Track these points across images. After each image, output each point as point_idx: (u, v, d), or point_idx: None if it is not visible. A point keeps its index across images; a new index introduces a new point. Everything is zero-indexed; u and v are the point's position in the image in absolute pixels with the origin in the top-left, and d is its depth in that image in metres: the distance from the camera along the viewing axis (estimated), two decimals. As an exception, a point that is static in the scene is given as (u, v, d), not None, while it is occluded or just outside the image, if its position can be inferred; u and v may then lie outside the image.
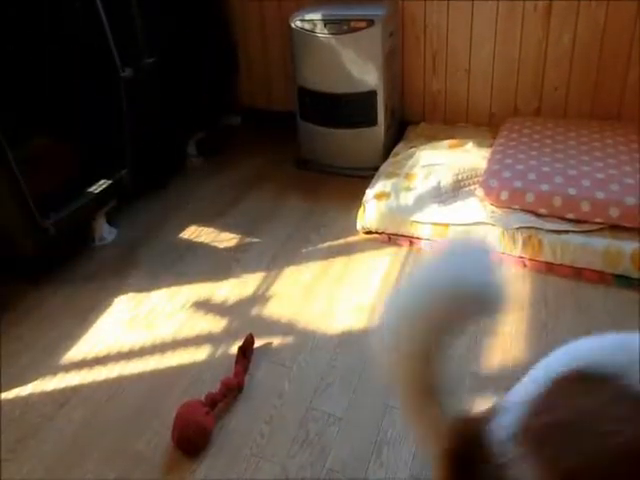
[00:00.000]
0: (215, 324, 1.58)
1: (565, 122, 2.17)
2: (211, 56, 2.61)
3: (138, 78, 2.07)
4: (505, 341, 1.46)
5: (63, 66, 1.91)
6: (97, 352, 1.52)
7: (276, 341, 1.51)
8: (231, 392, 1.33)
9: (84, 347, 1.54)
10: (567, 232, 1.67)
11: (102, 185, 1.91)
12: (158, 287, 1.75)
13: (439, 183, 1.94)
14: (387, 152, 2.30)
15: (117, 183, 1.95)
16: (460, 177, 1.98)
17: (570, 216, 1.69)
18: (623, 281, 1.60)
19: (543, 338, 1.45)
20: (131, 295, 1.72)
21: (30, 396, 1.39)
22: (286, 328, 1.55)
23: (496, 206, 1.79)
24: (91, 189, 1.89)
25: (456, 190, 1.93)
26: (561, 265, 1.66)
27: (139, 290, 1.74)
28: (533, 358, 1.42)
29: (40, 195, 1.70)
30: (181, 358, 1.48)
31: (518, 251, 1.70)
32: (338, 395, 1.34)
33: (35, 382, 1.43)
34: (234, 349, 1.44)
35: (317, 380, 1.38)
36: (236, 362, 1.40)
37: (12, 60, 1.77)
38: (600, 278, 1.62)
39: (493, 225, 1.73)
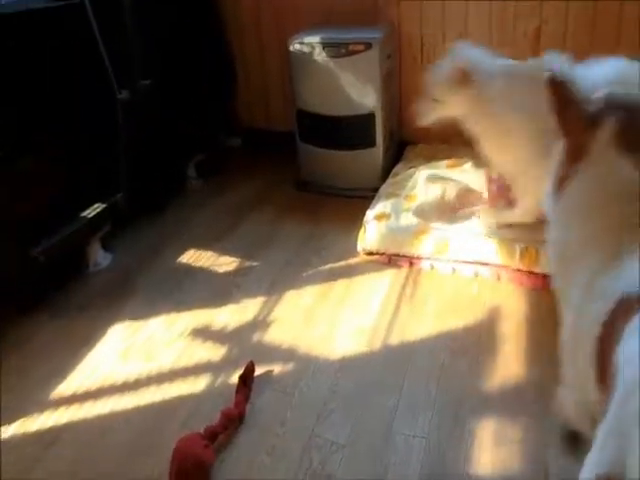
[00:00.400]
0: (215, 352, 1.57)
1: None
2: (209, 77, 2.66)
3: (135, 100, 2.10)
4: (506, 359, 1.46)
5: (58, 87, 1.93)
6: (90, 385, 1.49)
7: (277, 368, 1.50)
8: (232, 423, 1.31)
9: (76, 381, 1.51)
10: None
11: (96, 209, 1.91)
12: (155, 314, 1.74)
13: (443, 194, 1.98)
14: (386, 173, 2.33)
15: (112, 207, 1.96)
16: (459, 196, 2.00)
17: None
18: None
19: (543, 355, 1.45)
20: (127, 323, 1.71)
21: (13, 437, 1.35)
22: (287, 354, 1.54)
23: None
24: (84, 213, 1.89)
25: (456, 209, 1.96)
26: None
27: (135, 318, 1.73)
28: (533, 376, 1.41)
29: (30, 221, 1.70)
30: (179, 389, 1.46)
31: (516, 263, 1.72)
32: (341, 421, 1.32)
33: (24, 419, 1.40)
34: (234, 378, 1.43)
35: (319, 406, 1.37)
36: (237, 391, 1.39)
37: (4, 80, 1.79)
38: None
39: (491, 238, 1.77)
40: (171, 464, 1.21)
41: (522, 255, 1.71)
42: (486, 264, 1.79)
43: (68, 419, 1.39)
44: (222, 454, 1.26)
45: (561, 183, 0.90)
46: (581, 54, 2.17)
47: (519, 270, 1.73)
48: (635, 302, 0.69)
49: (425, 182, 2.08)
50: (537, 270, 1.70)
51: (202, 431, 1.27)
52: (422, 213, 1.93)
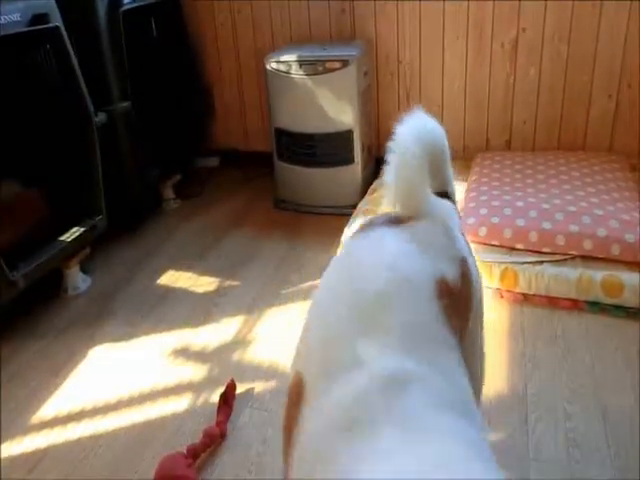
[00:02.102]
0: (195, 371, 1.64)
1: (532, 155, 2.35)
2: (185, 98, 2.75)
3: (111, 122, 2.18)
4: (486, 371, 1.54)
5: (34, 111, 1.99)
6: (71, 408, 1.54)
7: (258, 386, 1.57)
8: (214, 442, 1.38)
9: (58, 403, 1.56)
10: (541, 263, 1.80)
11: (75, 233, 1.96)
12: (136, 336, 1.81)
13: None
14: (365, 189, 2.43)
15: (91, 230, 2.01)
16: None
17: (546, 250, 1.82)
18: (595, 307, 1.73)
19: (522, 366, 1.55)
20: (107, 345, 1.77)
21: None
22: (268, 372, 1.61)
23: (475, 242, 1.90)
24: (63, 237, 1.93)
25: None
26: (536, 295, 1.79)
27: (116, 340, 1.79)
28: (514, 387, 1.51)
29: (8, 246, 1.75)
30: (161, 409, 1.52)
31: (495, 283, 1.82)
32: (323, 439, 1.39)
33: (7, 443, 1.44)
34: (215, 396, 1.50)
35: (301, 424, 1.43)
36: (218, 410, 1.45)
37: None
38: (573, 305, 1.75)
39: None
40: (154, 484, 1.27)
41: (501, 277, 1.81)
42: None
43: (51, 442, 1.45)
44: (204, 473, 1.32)
45: None
46: (559, 62, 2.34)
47: (499, 289, 1.83)
48: None
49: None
50: (517, 290, 1.80)
51: (184, 450, 1.33)
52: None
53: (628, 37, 2.27)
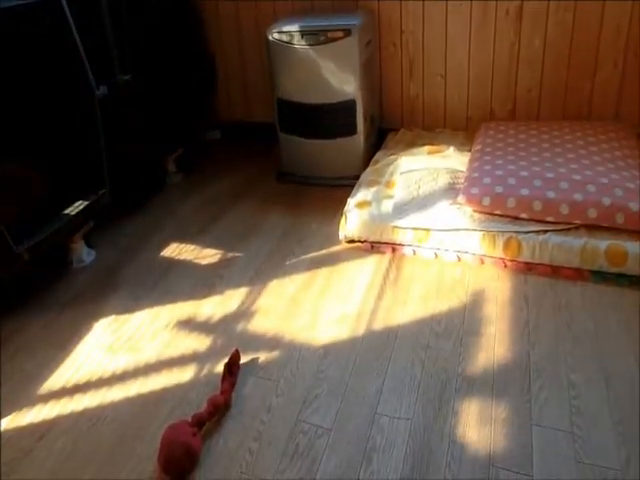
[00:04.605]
0: (200, 342, 1.62)
1: (536, 125, 2.28)
2: (188, 71, 2.68)
3: (113, 95, 2.12)
4: (489, 341, 1.52)
5: (34, 84, 1.94)
6: (77, 380, 1.53)
7: (262, 356, 1.55)
8: (218, 410, 1.36)
9: (63, 375, 1.55)
10: (545, 232, 1.75)
11: (79, 206, 1.94)
12: (140, 308, 1.79)
13: (419, 189, 2.01)
14: (367, 160, 2.38)
15: (95, 203, 1.99)
16: (440, 182, 2.05)
17: (550, 219, 1.77)
18: (599, 277, 1.69)
19: (525, 335, 1.52)
20: (112, 318, 1.76)
21: (6, 431, 1.39)
22: (272, 342, 1.59)
23: (478, 212, 1.86)
24: (67, 211, 1.91)
25: (436, 195, 2.00)
26: (540, 264, 1.75)
27: (121, 312, 1.78)
28: (517, 355, 1.49)
29: (12, 220, 1.72)
30: (166, 379, 1.51)
31: (499, 253, 1.78)
32: (326, 406, 1.38)
33: (11, 415, 1.44)
34: (220, 367, 1.48)
35: (305, 392, 1.42)
36: (223, 379, 1.43)
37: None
38: (577, 275, 1.71)
39: (474, 230, 1.80)
40: (160, 452, 1.26)
41: (505, 246, 1.76)
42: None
43: (58, 412, 1.44)
44: (209, 441, 1.32)
45: None
46: (564, 31, 2.26)
47: (502, 258, 1.79)
48: None
49: (400, 178, 2.11)
50: (520, 259, 1.76)
51: (189, 419, 1.32)
52: (401, 210, 1.95)
53: (634, 4, 2.17)
